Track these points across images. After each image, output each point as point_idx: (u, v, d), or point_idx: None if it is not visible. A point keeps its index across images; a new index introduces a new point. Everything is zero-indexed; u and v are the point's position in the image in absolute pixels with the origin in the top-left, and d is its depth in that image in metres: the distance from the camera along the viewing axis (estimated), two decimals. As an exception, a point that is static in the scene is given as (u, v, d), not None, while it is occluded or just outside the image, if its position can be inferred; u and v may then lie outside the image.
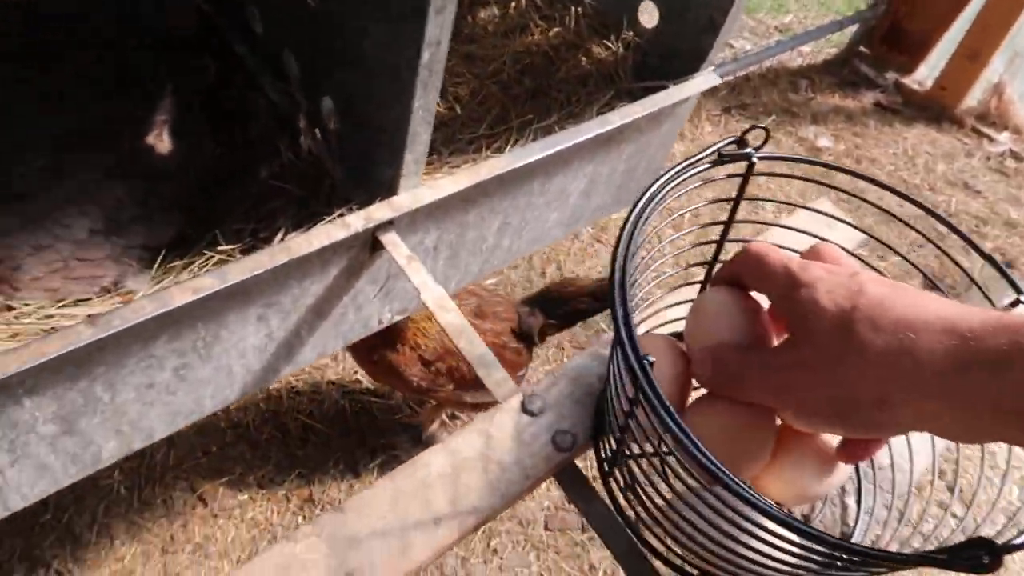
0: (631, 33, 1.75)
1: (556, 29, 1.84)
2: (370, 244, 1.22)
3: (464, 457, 0.95)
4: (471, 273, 1.55)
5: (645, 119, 1.54)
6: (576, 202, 1.66)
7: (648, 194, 0.87)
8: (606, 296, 2.49)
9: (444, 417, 2.85)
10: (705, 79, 1.61)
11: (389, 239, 1.19)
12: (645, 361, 0.70)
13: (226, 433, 2.65)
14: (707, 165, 0.94)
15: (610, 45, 1.77)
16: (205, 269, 1.12)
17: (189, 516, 2.45)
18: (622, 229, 0.82)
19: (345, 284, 1.26)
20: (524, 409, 1.01)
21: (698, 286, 1.11)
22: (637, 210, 0.85)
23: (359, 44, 1.09)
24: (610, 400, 0.88)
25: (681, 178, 0.91)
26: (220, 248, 1.14)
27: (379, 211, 1.16)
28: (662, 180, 0.89)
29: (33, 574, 2.27)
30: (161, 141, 1.22)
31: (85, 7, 1.13)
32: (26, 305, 1.05)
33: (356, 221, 1.14)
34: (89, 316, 0.95)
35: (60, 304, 1.08)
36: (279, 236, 1.16)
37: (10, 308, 1.06)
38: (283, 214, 1.21)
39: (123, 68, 1.14)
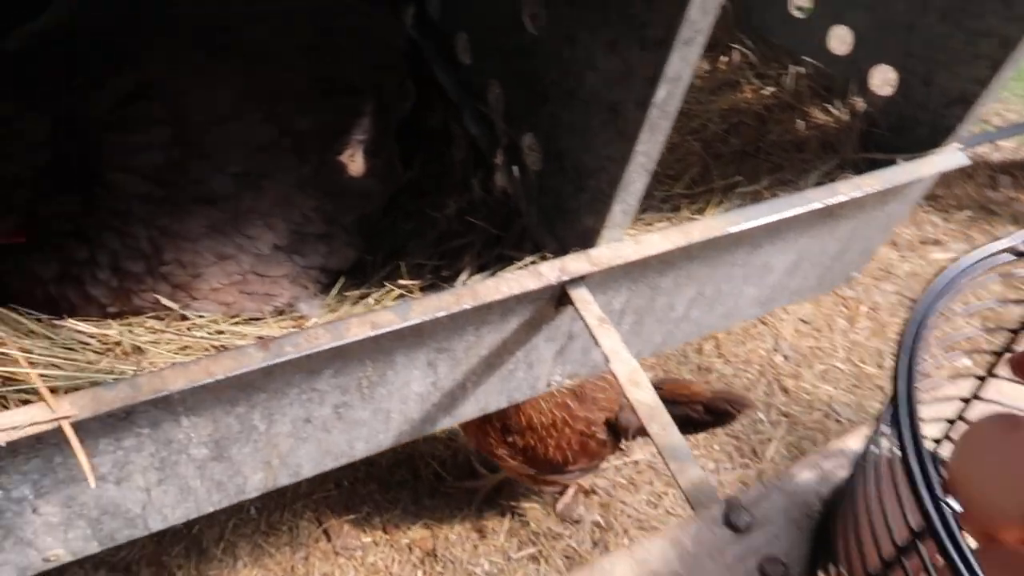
0: (859, 99, 1.57)
1: (771, 89, 1.68)
2: (556, 298, 1.10)
3: (653, 571, 0.78)
4: (652, 343, 1.40)
5: (873, 196, 1.34)
6: (777, 280, 1.47)
7: (937, 290, 0.69)
8: (721, 411, 2.24)
9: (581, 487, 2.67)
10: (950, 157, 1.39)
11: (580, 295, 1.06)
12: (948, 506, 0.53)
13: (359, 469, 2.59)
14: (1012, 257, 0.75)
15: (833, 110, 1.59)
16: (383, 303, 1.03)
17: (312, 549, 2.39)
18: (903, 332, 0.65)
19: (522, 338, 1.14)
20: (727, 522, 0.83)
21: (970, 382, 0.89)
22: (923, 308, 0.67)
23: (579, 76, 0.98)
24: (854, 530, 0.69)
25: (974, 273, 0.73)
26: (400, 282, 1.05)
27: (575, 263, 1.03)
28: (954, 273, 0.71)
29: (157, 581, 2.28)
30: (354, 161, 1.16)
31: (290, 8, 1.10)
32: (200, 317, 1.00)
33: (549, 271, 1.02)
34: (260, 339, 0.87)
35: (233, 320, 1.02)
36: (463, 276, 1.06)
37: (184, 318, 1.01)
38: (469, 252, 1.12)
39: (327, 78, 1.09)
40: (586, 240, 1.06)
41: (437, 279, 1.10)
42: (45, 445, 0.84)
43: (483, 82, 1.25)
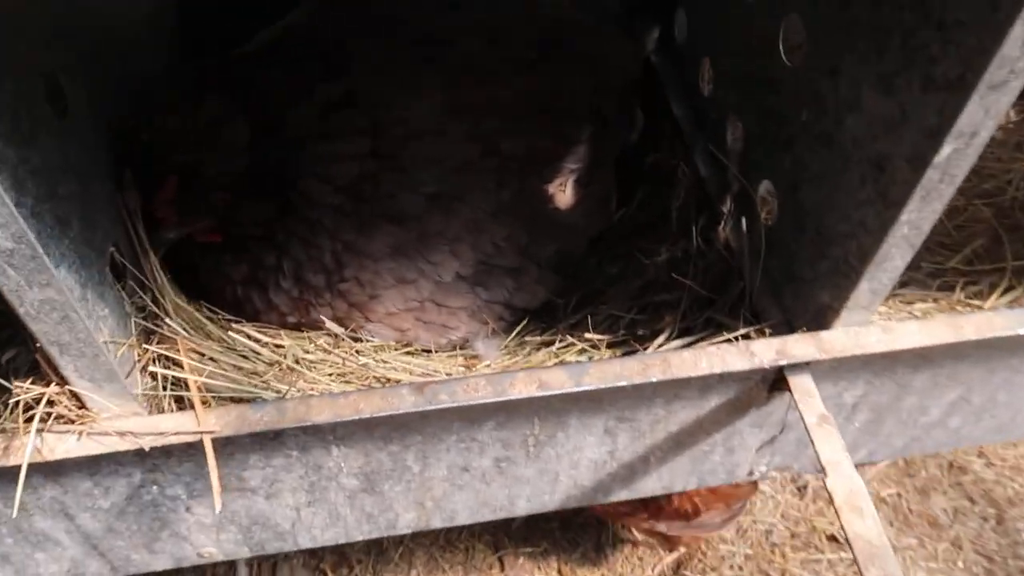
0: None
1: (1102, 150, 1.33)
2: (771, 381, 0.91)
3: None
4: (890, 447, 1.14)
5: None
6: (1079, 394, 1.14)
7: None
8: None
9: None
10: None
11: (800, 384, 0.86)
12: None
13: (544, 500, 2.49)
14: None
15: None
16: (564, 357, 0.91)
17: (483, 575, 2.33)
18: None
19: (723, 419, 0.96)
20: None
21: None
22: None
23: (838, 118, 0.79)
24: None
25: None
26: (588, 335, 0.93)
27: (799, 346, 0.84)
28: None
29: (338, 569, 2.34)
30: (562, 191, 1.06)
31: (511, 22, 1.01)
32: (369, 341, 0.95)
33: (764, 351, 0.83)
34: (415, 384, 0.79)
35: (403, 350, 0.96)
36: (660, 339, 0.91)
37: (357, 340, 0.96)
38: (672, 311, 0.96)
39: (543, 99, 0.99)
40: (819, 318, 0.86)
41: (631, 336, 0.96)
42: (197, 452, 0.82)
43: (721, 117, 1.08)
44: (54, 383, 0.73)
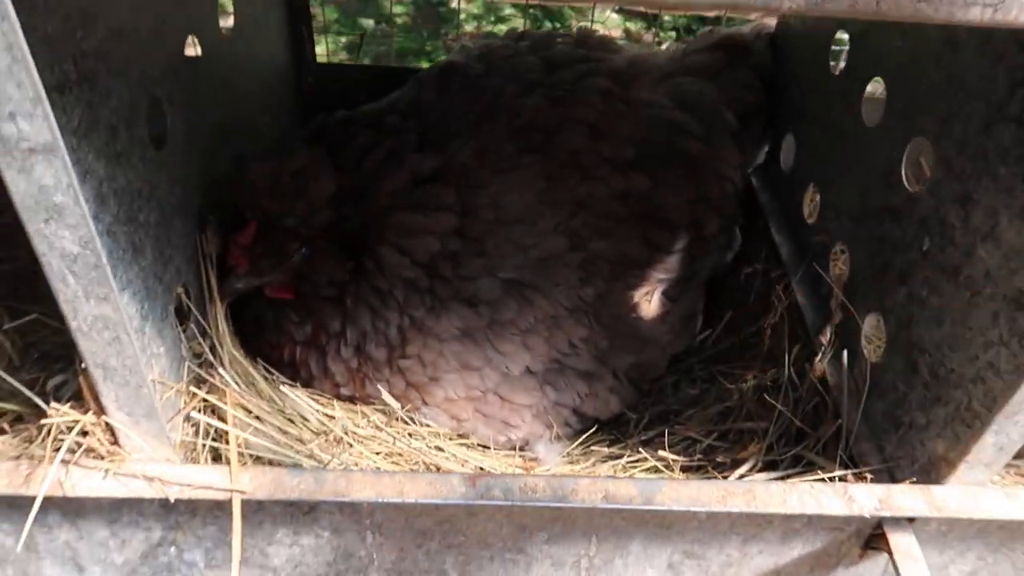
0: None
1: None
2: (865, 537, 0.79)
3: None
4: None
5: None
6: None
7: None
8: None
9: None
10: None
11: (902, 544, 0.75)
12: None
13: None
14: None
15: None
16: (633, 473, 0.82)
17: None
18: None
19: (803, 572, 0.84)
20: None
21: None
22: None
23: (968, 250, 0.72)
24: None
25: None
26: (662, 453, 0.84)
27: (906, 498, 0.73)
28: None
29: None
30: (648, 302, 1.00)
31: (618, 119, 0.97)
32: (425, 426, 0.88)
33: (865, 498, 0.73)
34: (468, 474, 0.71)
35: (458, 440, 0.89)
36: (743, 469, 0.82)
37: (411, 421, 0.90)
38: (758, 440, 0.87)
39: (640, 202, 0.95)
40: (929, 471, 0.76)
41: (710, 462, 0.87)
42: (224, 514, 0.76)
43: (825, 245, 1.02)
44: (92, 411, 0.69)
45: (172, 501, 0.69)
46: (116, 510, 0.74)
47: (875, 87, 0.93)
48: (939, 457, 0.75)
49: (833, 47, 1.06)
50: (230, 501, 0.71)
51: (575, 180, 0.93)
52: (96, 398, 0.67)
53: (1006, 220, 0.67)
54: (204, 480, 0.70)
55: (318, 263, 0.87)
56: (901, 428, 0.81)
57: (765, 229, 1.16)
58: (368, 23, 2.74)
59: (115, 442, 0.70)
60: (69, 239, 0.58)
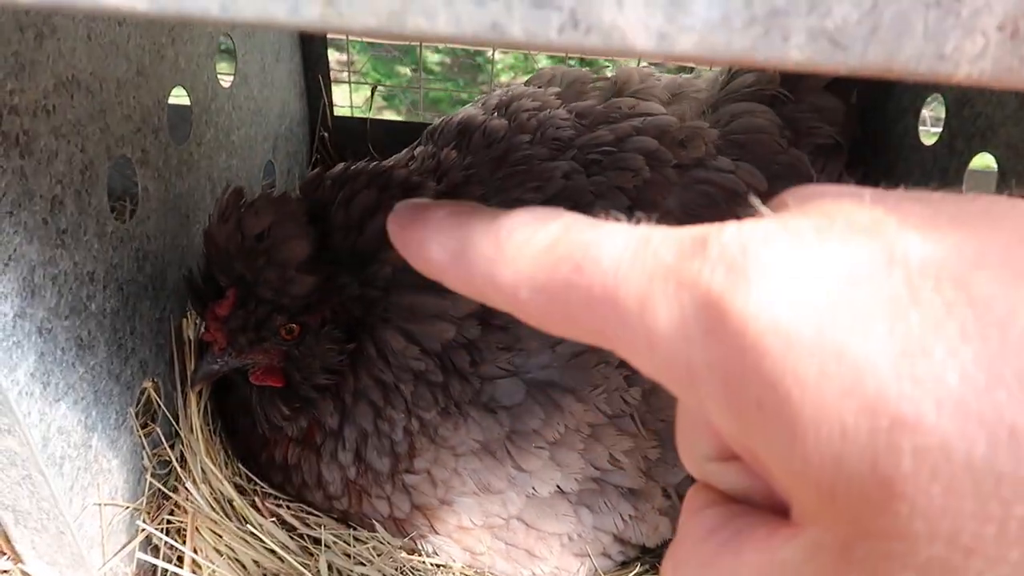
0: None
1: None
2: None
3: None
4: None
5: None
6: None
7: None
8: None
9: None
10: None
11: None
12: None
13: None
14: None
15: None
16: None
17: None
18: None
19: None
20: None
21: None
22: None
23: None
24: None
25: None
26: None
27: None
28: None
29: None
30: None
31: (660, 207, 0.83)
32: (429, 556, 0.73)
33: None
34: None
35: (471, 576, 0.73)
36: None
37: (414, 552, 0.74)
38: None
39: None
40: None
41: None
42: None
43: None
44: (7, 556, 0.55)
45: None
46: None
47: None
48: None
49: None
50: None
51: None
52: (8, 542, 0.53)
53: None
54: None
55: (310, 344, 0.73)
56: None
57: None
58: (405, 71, 2.67)
59: (35, 594, 0.56)
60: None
